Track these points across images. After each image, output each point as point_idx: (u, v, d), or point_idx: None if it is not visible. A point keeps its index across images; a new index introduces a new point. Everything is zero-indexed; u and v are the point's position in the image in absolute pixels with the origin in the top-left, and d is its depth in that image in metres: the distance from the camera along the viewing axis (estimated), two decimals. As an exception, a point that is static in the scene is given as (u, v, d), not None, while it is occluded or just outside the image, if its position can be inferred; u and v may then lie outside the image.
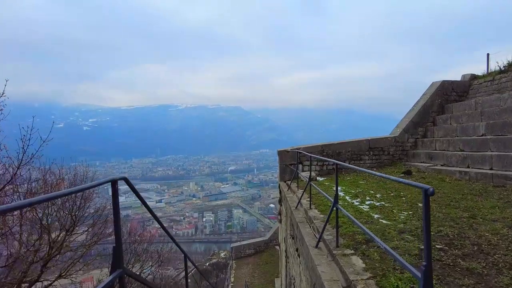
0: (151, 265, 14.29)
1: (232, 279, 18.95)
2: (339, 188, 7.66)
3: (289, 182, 9.55)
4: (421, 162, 10.50)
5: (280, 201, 10.19)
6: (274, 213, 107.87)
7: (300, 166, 10.10)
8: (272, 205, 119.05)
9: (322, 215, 5.22)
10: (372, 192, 7.05)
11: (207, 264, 42.71)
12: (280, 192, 9.87)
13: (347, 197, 6.54)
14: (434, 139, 10.70)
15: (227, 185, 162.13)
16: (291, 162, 10.31)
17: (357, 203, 5.87)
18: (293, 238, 6.01)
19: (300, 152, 9.29)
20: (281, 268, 11.46)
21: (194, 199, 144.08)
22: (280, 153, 10.43)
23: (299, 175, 8.63)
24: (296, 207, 6.11)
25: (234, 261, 21.58)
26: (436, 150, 10.33)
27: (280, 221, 10.27)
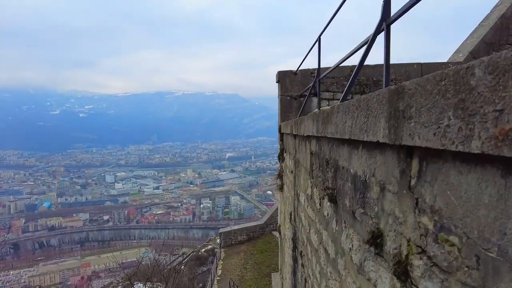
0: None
1: (219, 272, 15.22)
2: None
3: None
4: None
5: (281, 155, 6.05)
6: (271, 200, 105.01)
7: (316, 99, 6.09)
8: (269, 192, 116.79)
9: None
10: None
11: (203, 250, 41.10)
12: (282, 138, 5.80)
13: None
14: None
15: (225, 172, 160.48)
16: (300, 92, 6.29)
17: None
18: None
19: (317, 76, 5.28)
20: (283, 266, 7.48)
21: (191, 186, 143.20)
22: (283, 76, 6.25)
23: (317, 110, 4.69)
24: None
25: (223, 250, 17.83)
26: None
27: (281, 188, 6.07)
